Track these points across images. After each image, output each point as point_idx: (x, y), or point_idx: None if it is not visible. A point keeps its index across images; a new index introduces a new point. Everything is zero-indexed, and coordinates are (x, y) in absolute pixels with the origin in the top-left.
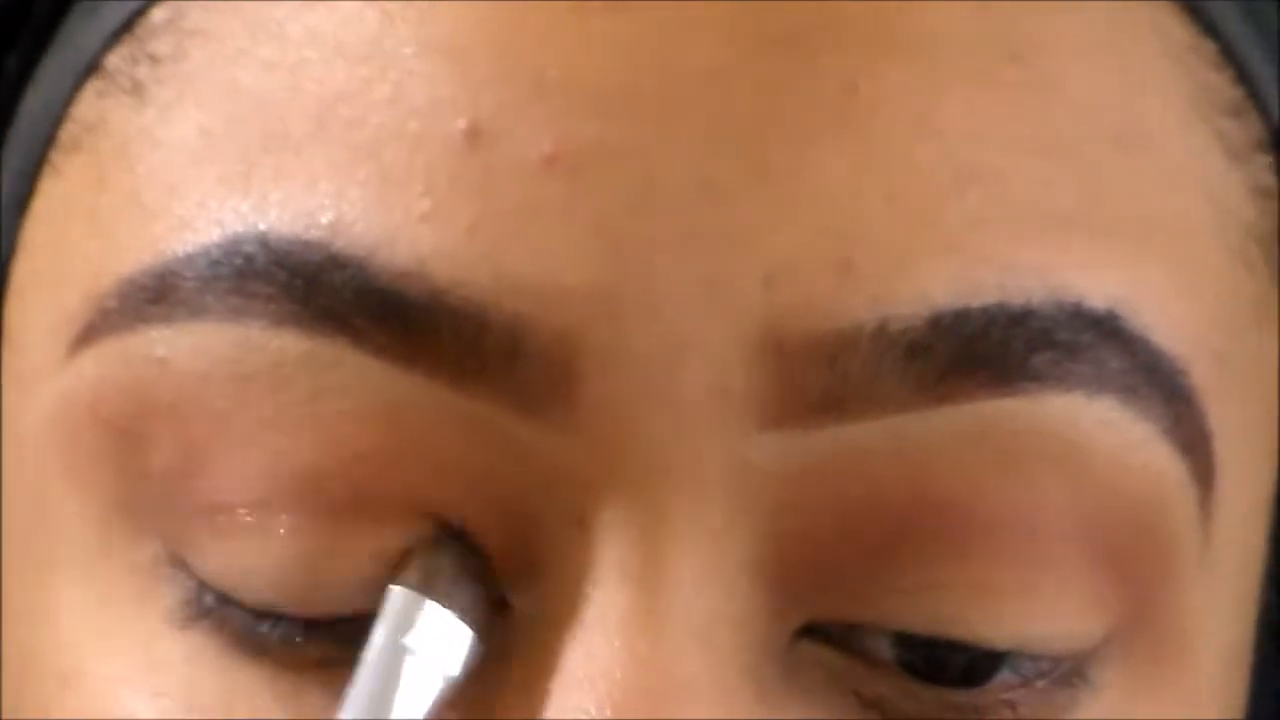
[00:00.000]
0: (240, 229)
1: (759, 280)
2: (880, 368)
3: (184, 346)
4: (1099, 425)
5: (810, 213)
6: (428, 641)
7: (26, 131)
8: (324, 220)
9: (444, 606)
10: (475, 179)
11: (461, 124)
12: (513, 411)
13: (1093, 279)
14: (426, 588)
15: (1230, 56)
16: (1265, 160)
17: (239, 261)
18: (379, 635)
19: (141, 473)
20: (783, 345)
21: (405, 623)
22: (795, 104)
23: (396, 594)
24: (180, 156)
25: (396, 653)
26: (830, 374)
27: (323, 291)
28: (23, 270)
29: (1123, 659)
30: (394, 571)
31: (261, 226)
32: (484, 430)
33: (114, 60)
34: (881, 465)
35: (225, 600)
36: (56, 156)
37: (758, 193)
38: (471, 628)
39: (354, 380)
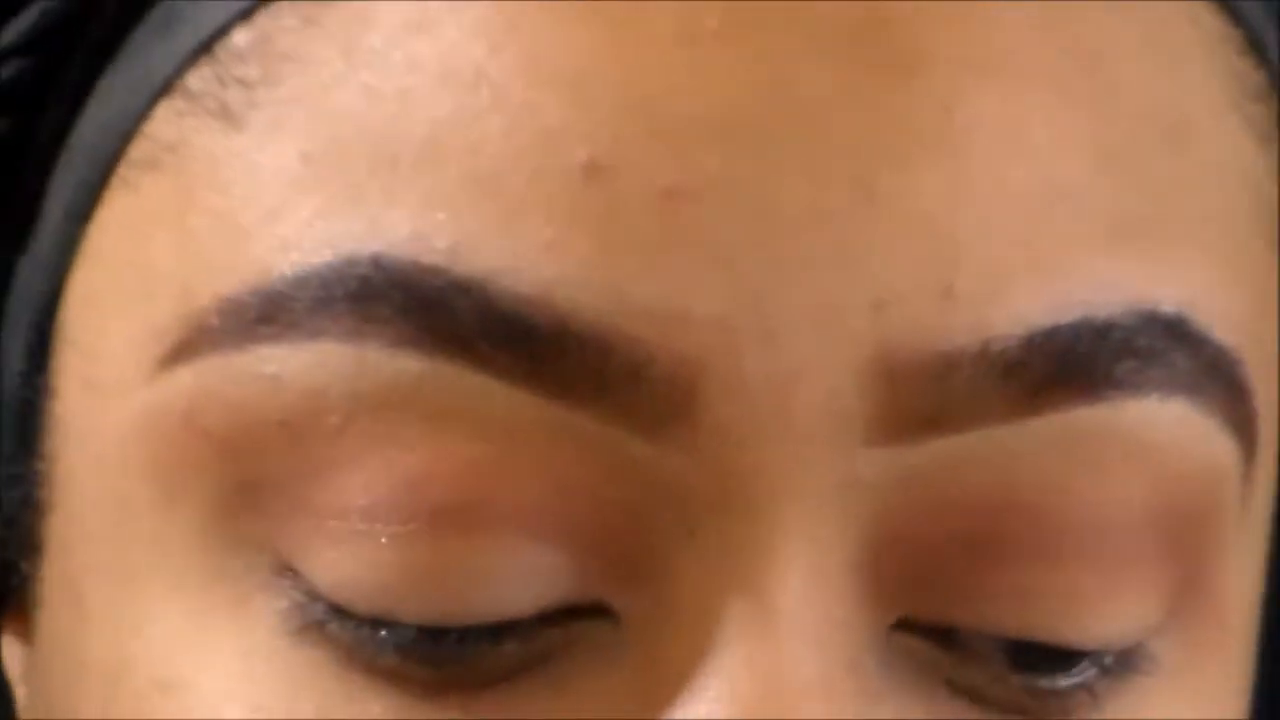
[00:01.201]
0: (353, 251)
1: (868, 306)
2: (981, 386)
3: (297, 365)
4: (1171, 424)
5: (914, 237)
6: None
7: (91, 143)
8: (442, 245)
9: None
10: (596, 210)
11: (581, 157)
12: (633, 432)
13: (1161, 284)
14: None
15: (1252, 42)
16: None
17: (354, 284)
18: None
19: (247, 482)
20: (891, 369)
21: None
22: (896, 128)
23: None
24: (280, 180)
25: None
26: (935, 394)
27: (444, 316)
28: (92, 279)
29: (1180, 629)
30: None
31: (375, 248)
32: (603, 449)
33: (196, 82)
34: (974, 473)
35: (336, 611)
36: (129, 172)
37: (866, 217)
38: None
39: (473, 401)
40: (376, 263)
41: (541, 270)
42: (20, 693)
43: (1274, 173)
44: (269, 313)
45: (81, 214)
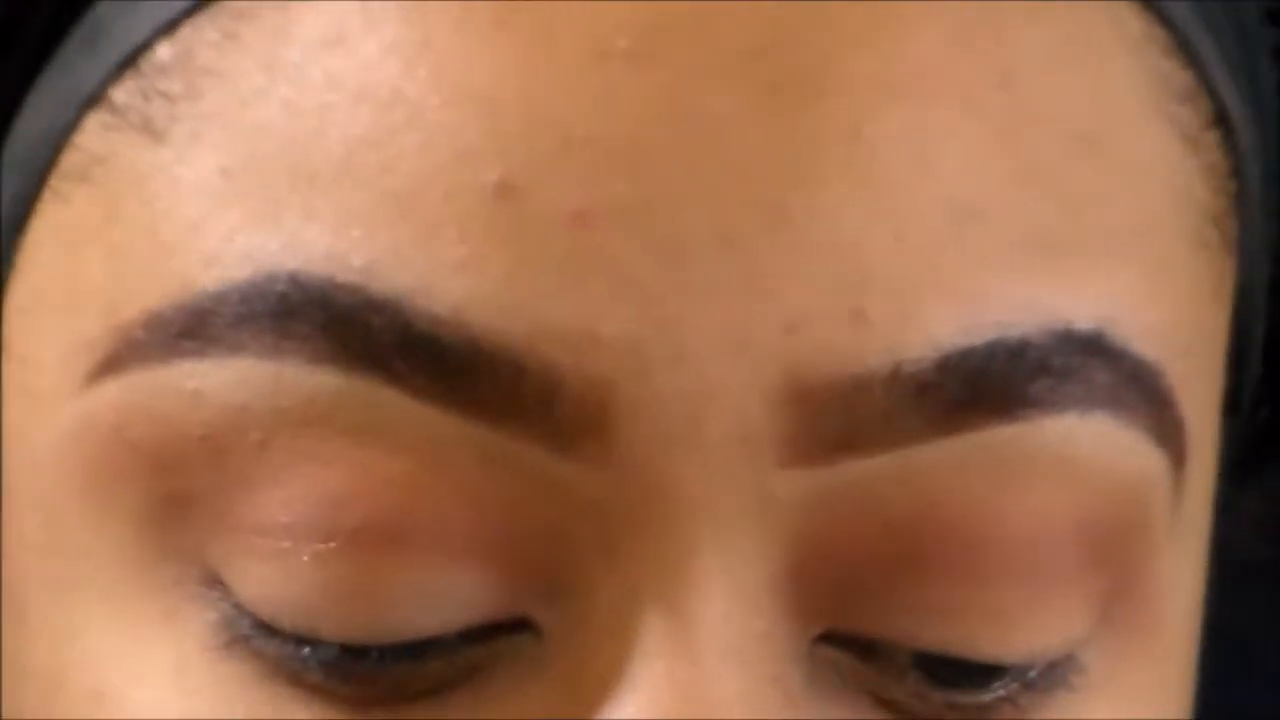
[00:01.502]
0: (272, 267)
1: (779, 329)
2: (892, 409)
3: (219, 380)
4: (1092, 439)
5: (825, 260)
6: None
7: (23, 155)
8: (357, 263)
9: None
10: (508, 230)
11: (493, 177)
12: (547, 451)
13: (1077, 300)
14: None
15: (1180, 40)
16: (1214, 138)
17: (273, 300)
18: None
19: (174, 495)
20: (802, 391)
21: None
22: (805, 150)
23: None
24: (201, 194)
25: None
26: (846, 416)
27: (360, 334)
28: (28, 288)
29: (1108, 636)
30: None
31: (293, 265)
32: (518, 466)
33: (121, 95)
34: (892, 491)
35: (261, 626)
36: (60, 184)
37: (775, 240)
38: None
39: (391, 417)
40: (294, 279)
41: (454, 290)
42: None
43: (1203, 173)
44: (191, 327)
45: (16, 224)
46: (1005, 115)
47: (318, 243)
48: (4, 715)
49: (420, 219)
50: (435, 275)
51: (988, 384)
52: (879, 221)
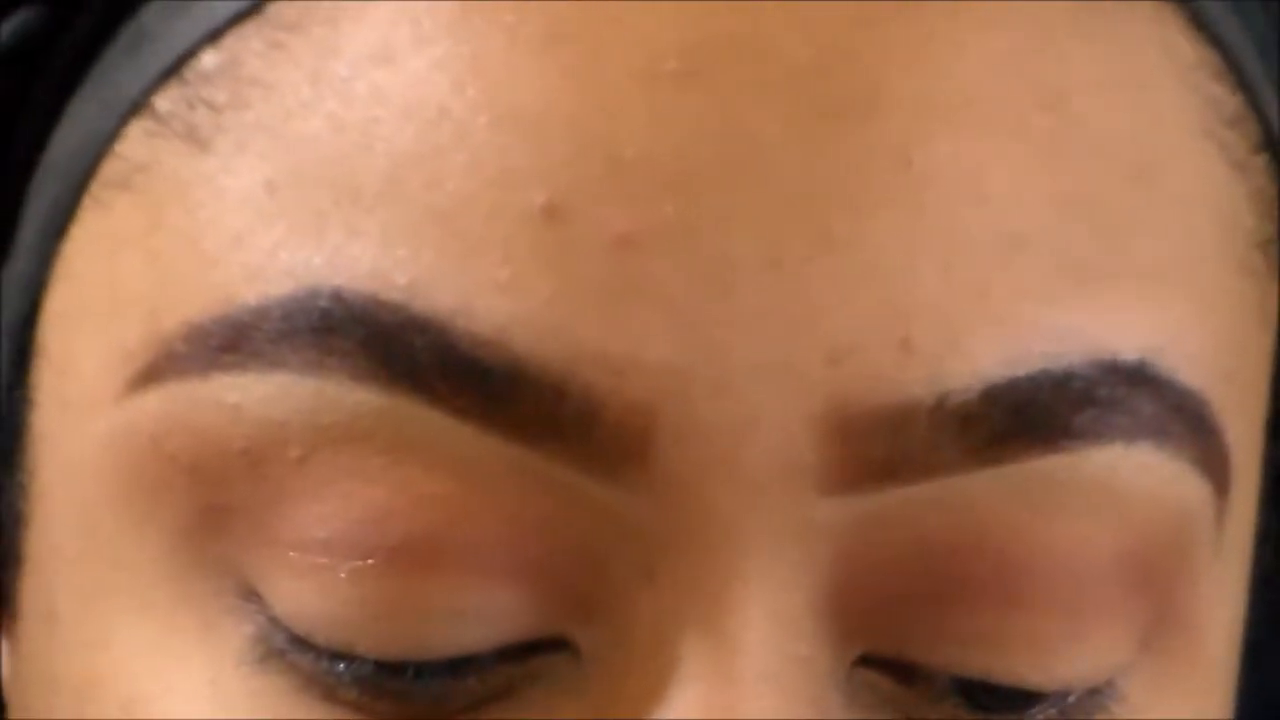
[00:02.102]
0: (314, 283)
1: (823, 358)
2: (937, 438)
3: (259, 394)
4: (1136, 470)
5: (871, 288)
6: None
7: (65, 161)
8: (401, 281)
9: None
10: (552, 253)
11: (539, 199)
12: (588, 474)
13: (1122, 331)
14: None
15: (1230, 65)
16: (1261, 163)
17: (315, 316)
18: None
19: (212, 507)
20: (846, 421)
21: None
22: (853, 175)
23: None
24: (245, 206)
25: None
26: (891, 446)
27: (402, 353)
28: (66, 297)
29: (1149, 663)
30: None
31: (336, 282)
32: (558, 488)
33: (165, 103)
34: (934, 519)
35: (296, 641)
36: (102, 191)
37: (822, 266)
38: None
39: (431, 436)
40: (337, 296)
41: (497, 311)
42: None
43: (1251, 198)
44: (232, 341)
45: (56, 231)
46: (1053, 140)
47: (361, 259)
48: None
49: (465, 238)
50: (479, 295)
51: (1032, 415)
52: (927, 250)
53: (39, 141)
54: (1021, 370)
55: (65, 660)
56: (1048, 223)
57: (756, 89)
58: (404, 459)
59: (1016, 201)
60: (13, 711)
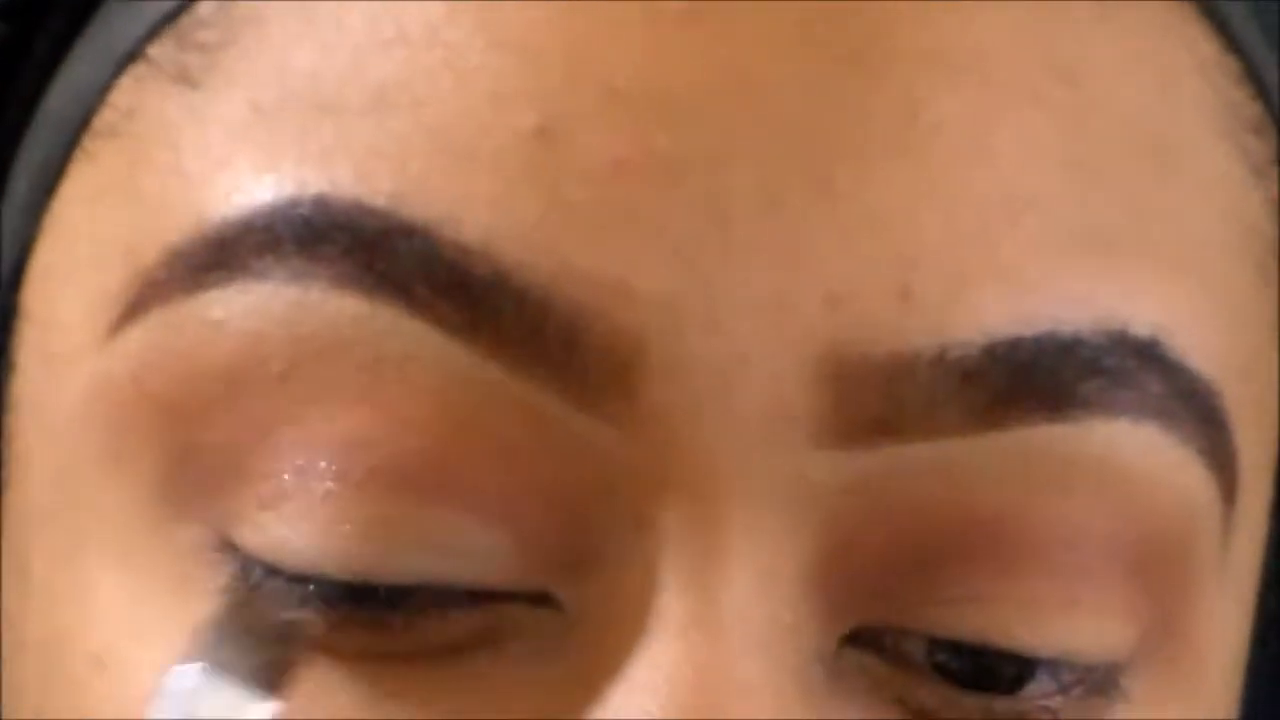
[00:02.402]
0: (297, 191)
1: (820, 300)
2: (936, 393)
3: (240, 307)
4: (1140, 450)
5: (872, 235)
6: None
7: (57, 116)
8: (387, 188)
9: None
10: (543, 173)
11: (530, 121)
12: (570, 402)
13: (1135, 305)
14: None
15: (1252, 72)
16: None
17: (298, 223)
18: None
19: (190, 448)
20: (842, 367)
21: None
22: (859, 124)
23: None
24: (229, 130)
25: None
26: (887, 397)
27: (385, 258)
28: (50, 252)
29: (1150, 668)
30: None
31: (320, 189)
32: (541, 417)
33: (157, 50)
34: (931, 484)
35: (271, 573)
36: (90, 143)
37: (822, 210)
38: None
39: (412, 349)
40: (321, 202)
41: (485, 222)
42: None
43: (1269, 207)
44: (215, 257)
45: (46, 188)
46: (1067, 109)
47: (346, 167)
48: (11, 691)
49: (453, 151)
50: (466, 206)
51: (1036, 377)
52: (930, 203)
53: (31, 102)
54: (1027, 329)
55: (36, 621)
56: (1059, 188)
57: (762, 34)
58: (385, 375)
59: (1026, 163)
60: None
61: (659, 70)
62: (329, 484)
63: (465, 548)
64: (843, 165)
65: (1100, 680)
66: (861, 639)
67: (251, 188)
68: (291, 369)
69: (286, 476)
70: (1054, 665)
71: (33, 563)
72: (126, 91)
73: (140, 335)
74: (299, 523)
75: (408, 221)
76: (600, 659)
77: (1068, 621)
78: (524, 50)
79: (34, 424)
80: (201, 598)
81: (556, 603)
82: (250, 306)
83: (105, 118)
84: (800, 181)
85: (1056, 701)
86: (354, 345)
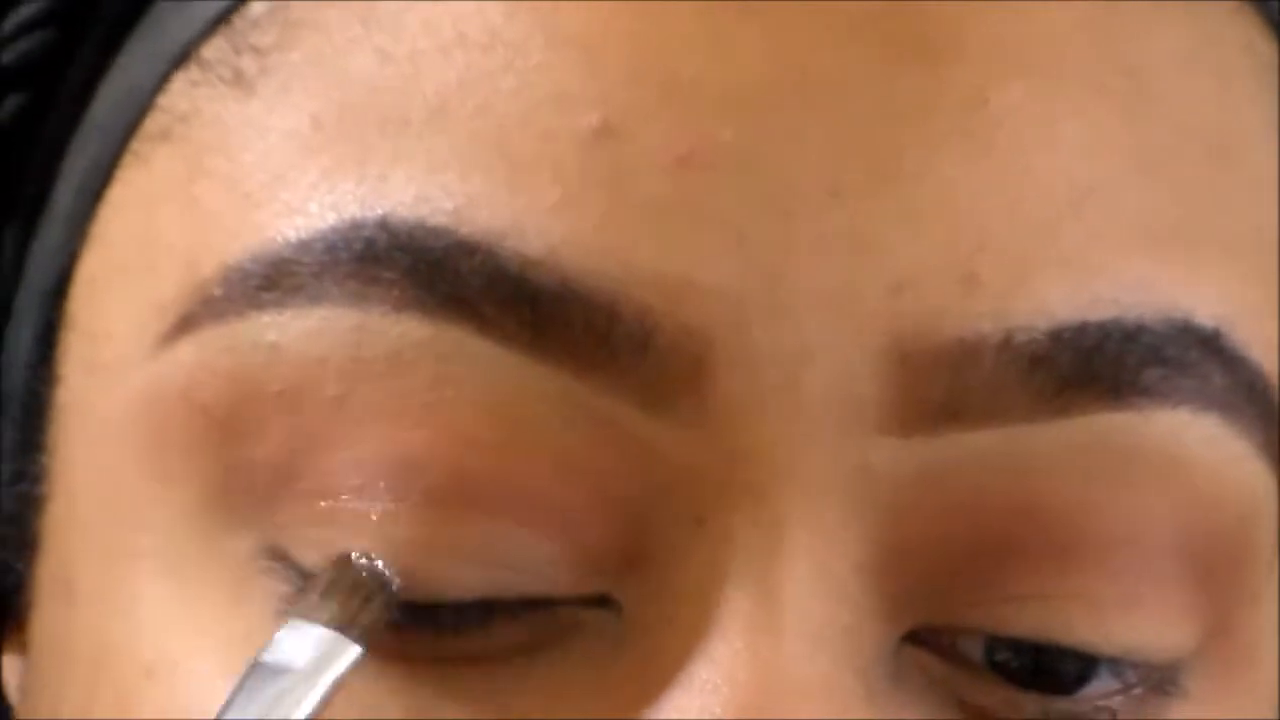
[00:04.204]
0: (358, 213)
1: (886, 289)
2: (1003, 379)
3: (298, 331)
4: (1202, 441)
5: (936, 222)
6: (285, 655)
7: (106, 119)
8: (448, 206)
9: (309, 620)
10: (606, 173)
11: (593, 120)
12: (638, 408)
13: (1198, 295)
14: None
15: None
16: None
17: (359, 246)
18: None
19: (242, 462)
20: (908, 354)
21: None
22: (923, 113)
23: None
24: (289, 144)
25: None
26: (953, 383)
27: (449, 277)
28: (99, 260)
29: (1208, 669)
30: None
31: (381, 210)
32: (608, 425)
33: (210, 51)
34: (995, 474)
35: None
36: (142, 146)
37: (886, 199)
38: (353, 638)
39: (477, 369)
40: (383, 225)
41: (548, 231)
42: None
43: None
44: (272, 279)
45: (94, 192)
46: (1131, 103)
47: (407, 188)
48: (45, 709)
49: (514, 161)
50: (528, 217)
51: (1100, 363)
52: (995, 190)
53: (79, 107)
54: (1091, 315)
55: (81, 632)
56: (1123, 178)
57: (822, 27)
58: (447, 396)
59: (1091, 153)
60: (24, 709)
61: (720, 64)
62: (386, 504)
63: (524, 560)
64: (906, 154)
65: (1160, 680)
66: (920, 638)
67: (312, 209)
68: (349, 392)
69: (344, 495)
70: (1116, 664)
71: (79, 575)
72: (179, 94)
73: (193, 350)
74: (356, 540)
75: (469, 238)
76: (660, 660)
77: (1130, 619)
78: (585, 47)
79: (79, 435)
80: (255, 603)
81: (615, 605)
82: (308, 331)
83: (158, 120)
84: (863, 171)
85: (1117, 701)
86: (416, 367)
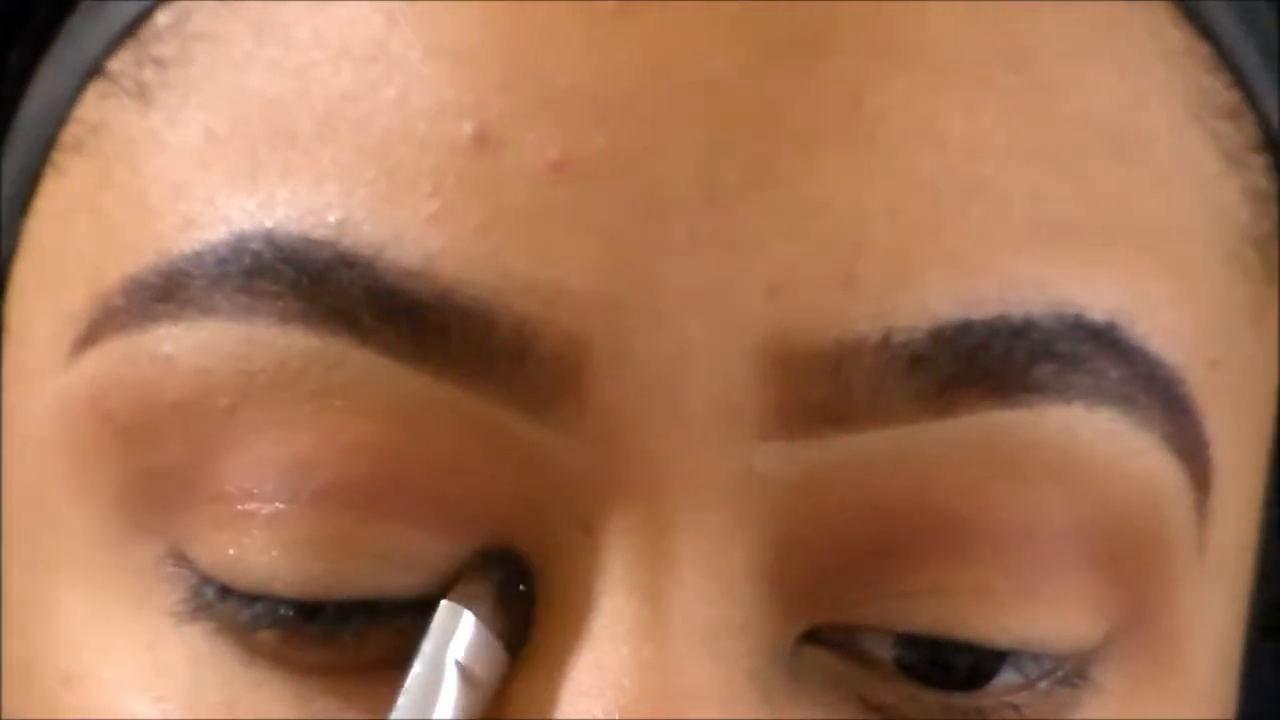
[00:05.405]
0: (247, 227)
1: (763, 290)
2: (883, 379)
3: (191, 343)
4: (1098, 435)
5: (814, 223)
6: (472, 658)
7: (29, 130)
8: (331, 219)
9: (487, 627)
10: (482, 182)
11: (469, 128)
12: (520, 412)
13: (1092, 290)
14: (473, 605)
15: (1226, 59)
16: (1261, 162)
17: (246, 260)
18: (427, 647)
19: (145, 469)
20: (786, 356)
21: (454, 638)
22: (800, 112)
23: (446, 609)
24: (186, 157)
25: (441, 667)
26: (834, 385)
27: (330, 289)
28: (26, 268)
29: (1122, 659)
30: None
31: (268, 224)
32: (491, 430)
33: (117, 64)
34: (883, 474)
35: (225, 592)
36: (59, 156)
37: (762, 200)
38: (506, 649)
39: (361, 378)
40: (269, 238)
41: (426, 242)
42: None
43: (1246, 195)
44: (168, 291)
45: (22, 202)
46: (1021, 96)
47: (293, 201)
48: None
49: (394, 173)
50: (407, 228)
51: (986, 362)
52: (875, 189)
53: (8, 117)
54: (976, 314)
55: (12, 637)
56: (1011, 174)
57: (700, 25)
58: (333, 404)
59: (976, 150)
60: None
61: (596, 69)
62: (277, 505)
63: (416, 561)
64: (783, 154)
65: (1068, 673)
66: (820, 637)
67: (205, 222)
68: (240, 401)
69: (236, 499)
70: (1017, 658)
71: (11, 581)
72: (91, 106)
73: (97, 360)
74: (249, 543)
75: (350, 251)
76: (553, 662)
77: (1026, 612)
78: (462, 56)
79: (10, 441)
80: (160, 610)
81: None
82: (199, 343)
83: (73, 132)
84: (740, 173)
85: (1022, 697)
86: (301, 378)
